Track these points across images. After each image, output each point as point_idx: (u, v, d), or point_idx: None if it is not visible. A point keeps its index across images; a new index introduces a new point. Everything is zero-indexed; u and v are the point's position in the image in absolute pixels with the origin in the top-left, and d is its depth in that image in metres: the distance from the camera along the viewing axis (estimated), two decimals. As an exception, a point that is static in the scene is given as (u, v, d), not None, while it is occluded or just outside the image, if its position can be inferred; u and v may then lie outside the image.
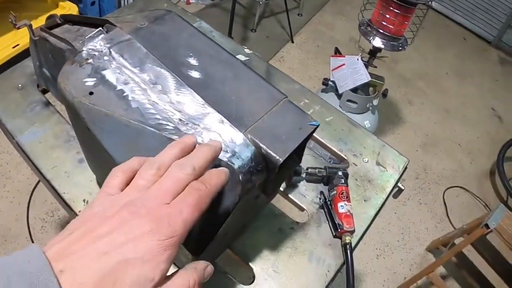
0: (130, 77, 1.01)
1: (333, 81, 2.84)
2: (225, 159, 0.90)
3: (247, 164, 0.92)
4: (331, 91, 2.89)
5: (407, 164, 1.60)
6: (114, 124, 0.99)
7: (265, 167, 0.95)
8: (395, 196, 1.60)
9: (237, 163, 0.91)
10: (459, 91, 3.98)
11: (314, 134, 1.60)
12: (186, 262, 0.79)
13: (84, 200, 1.31)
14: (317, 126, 1.01)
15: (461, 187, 3.26)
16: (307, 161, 1.52)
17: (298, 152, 1.09)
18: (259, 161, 0.94)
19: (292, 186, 1.45)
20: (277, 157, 0.92)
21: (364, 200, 1.47)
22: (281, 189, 1.44)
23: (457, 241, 2.54)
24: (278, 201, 1.42)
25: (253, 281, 1.25)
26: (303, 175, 1.44)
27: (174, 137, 0.94)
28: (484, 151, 3.56)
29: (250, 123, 0.97)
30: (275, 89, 1.05)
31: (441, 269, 2.84)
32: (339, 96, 2.83)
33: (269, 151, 0.93)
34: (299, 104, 1.63)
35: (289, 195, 1.43)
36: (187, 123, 0.96)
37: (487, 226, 2.21)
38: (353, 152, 1.57)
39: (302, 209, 1.42)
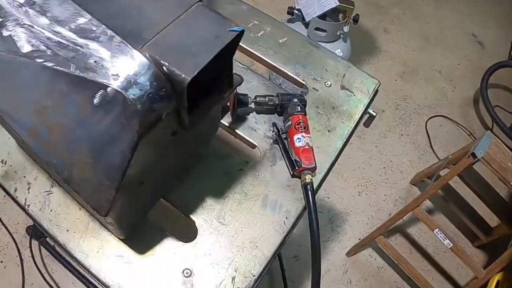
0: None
1: (298, 9, 2.56)
2: (114, 88, 0.66)
3: (146, 90, 0.69)
4: (298, 20, 2.61)
5: (378, 87, 1.36)
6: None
7: (172, 90, 0.71)
8: (367, 124, 1.36)
9: (132, 92, 0.67)
10: (437, 17, 3.70)
11: (264, 57, 1.35)
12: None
13: (2, 161, 1.08)
14: (241, 32, 0.76)
15: (444, 116, 3.02)
16: (256, 89, 1.26)
17: (223, 70, 0.84)
18: (161, 84, 0.70)
19: (239, 119, 1.20)
20: (183, 76, 0.69)
21: (328, 131, 1.22)
22: (226, 123, 1.19)
23: (442, 172, 2.34)
24: (224, 138, 1.18)
25: (194, 237, 1.01)
26: (251, 105, 1.18)
27: (49, 64, 0.72)
28: (466, 78, 3.30)
29: (149, 37, 0.73)
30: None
31: (427, 203, 2.64)
32: (306, 25, 2.54)
33: (172, 68, 0.70)
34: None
35: (237, 130, 1.18)
36: (67, 46, 0.73)
37: (473, 155, 2.02)
38: (312, 76, 1.31)
39: (253, 146, 1.18)
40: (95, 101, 0.70)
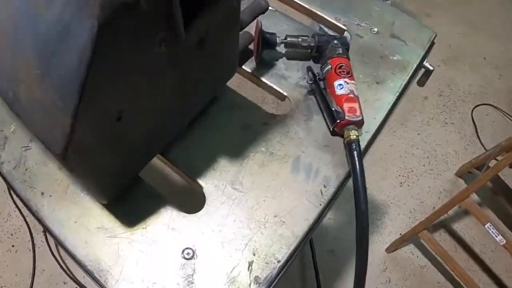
0: None
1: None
2: None
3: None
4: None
5: (434, 38, 1.05)
6: None
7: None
8: (421, 81, 1.05)
9: None
10: (482, 2, 3.35)
11: (298, 1, 1.03)
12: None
13: None
14: None
15: (490, 104, 2.67)
16: (287, 32, 0.96)
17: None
18: None
19: (265, 64, 0.91)
20: None
21: (377, 82, 0.92)
22: (248, 69, 0.90)
23: (491, 163, 2.01)
24: (245, 88, 0.89)
25: (201, 208, 0.73)
26: (281, 48, 0.88)
27: None
28: (513, 65, 2.96)
29: None
30: None
31: (473, 197, 2.30)
32: None
33: None
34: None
35: (262, 78, 0.89)
36: None
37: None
38: (355, 21, 1.01)
39: (282, 97, 0.88)
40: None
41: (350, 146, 0.77)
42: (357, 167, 0.75)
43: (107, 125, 0.54)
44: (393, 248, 2.11)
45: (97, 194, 0.68)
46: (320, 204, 0.75)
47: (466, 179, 2.36)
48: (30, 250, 1.87)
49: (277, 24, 0.97)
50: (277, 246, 0.71)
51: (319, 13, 1.01)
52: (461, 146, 2.49)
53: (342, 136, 0.81)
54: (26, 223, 1.89)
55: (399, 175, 2.33)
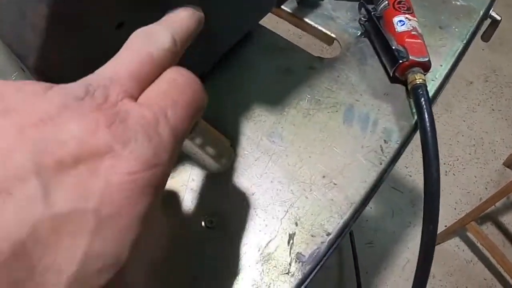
0: None
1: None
2: None
3: None
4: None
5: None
6: None
7: None
8: (487, 35, 0.86)
9: None
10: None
11: None
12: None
13: None
14: None
15: (539, 91, 2.44)
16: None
17: None
18: None
19: (308, 4, 0.73)
20: None
21: (440, 27, 0.73)
22: (289, 10, 0.72)
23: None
24: (285, 32, 0.72)
25: (231, 164, 0.56)
26: (327, -19, 0.71)
27: None
28: (561, 50, 2.70)
29: None
30: None
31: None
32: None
33: None
34: None
35: (305, 19, 0.71)
36: None
37: None
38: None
39: (330, 40, 0.70)
40: None
41: (416, 91, 0.58)
42: (426, 116, 0.57)
43: (103, 32, 0.37)
44: (437, 241, 1.90)
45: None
46: (381, 163, 0.57)
47: (515, 170, 2.14)
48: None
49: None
50: (327, 215, 0.53)
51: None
52: (509, 134, 2.26)
53: (404, 83, 0.63)
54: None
55: (444, 163, 2.12)
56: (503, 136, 2.24)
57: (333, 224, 0.52)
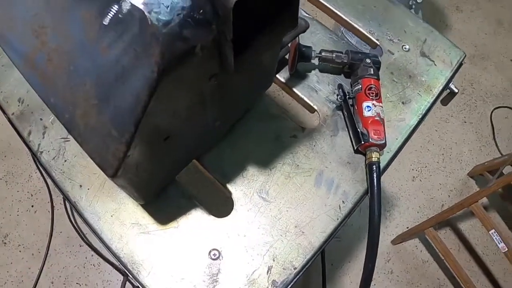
0: None
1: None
2: (130, 1, 0.44)
3: (175, 9, 0.46)
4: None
5: (463, 59, 1.09)
6: None
7: (212, 14, 0.48)
8: (445, 101, 1.10)
9: (155, 8, 0.46)
10: (515, 1, 3.34)
11: (334, 9, 1.07)
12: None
13: (19, 100, 0.91)
14: None
15: (511, 108, 2.70)
16: (322, 43, 1.01)
17: (290, 4, 0.60)
18: (199, 2, 0.47)
19: (298, 75, 0.96)
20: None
21: (402, 103, 0.97)
22: (282, 79, 0.96)
23: (506, 170, 2.05)
24: (277, 96, 0.95)
25: (229, 213, 0.80)
26: (315, 60, 0.94)
27: None
28: (541, 71, 2.95)
29: None
30: None
31: (482, 200, 2.35)
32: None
33: None
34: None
35: (294, 89, 0.95)
36: None
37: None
38: (388, 36, 1.06)
39: (311, 109, 0.94)
40: (105, 19, 0.48)
41: (371, 167, 0.84)
42: (375, 187, 0.82)
43: (156, 146, 0.61)
44: (398, 240, 2.18)
45: (135, 196, 0.75)
46: (338, 219, 0.82)
47: (477, 181, 2.41)
48: (48, 211, 1.95)
49: (313, 33, 1.02)
50: (295, 254, 0.78)
51: (354, 24, 1.06)
52: (476, 147, 2.53)
53: (364, 154, 0.87)
54: (47, 185, 1.95)
55: (413, 169, 2.39)
56: (471, 148, 2.51)
57: (299, 261, 0.78)
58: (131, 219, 0.78)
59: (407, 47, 1.05)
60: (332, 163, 0.87)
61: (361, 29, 1.05)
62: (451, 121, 2.58)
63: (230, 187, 0.82)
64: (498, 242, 1.85)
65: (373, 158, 0.84)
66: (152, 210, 0.79)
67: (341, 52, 0.94)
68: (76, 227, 1.89)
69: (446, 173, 2.41)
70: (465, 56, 1.10)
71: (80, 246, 1.90)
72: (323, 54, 0.93)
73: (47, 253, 1.88)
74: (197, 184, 0.85)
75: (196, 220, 0.79)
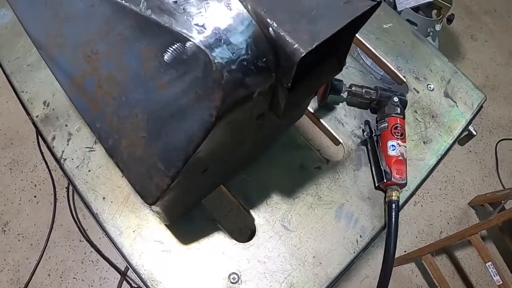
0: None
1: (392, -5, 2.31)
2: (196, 44, 0.46)
3: (238, 53, 0.49)
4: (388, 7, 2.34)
5: (484, 102, 1.12)
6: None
7: (274, 63, 0.50)
8: (462, 142, 1.14)
9: (220, 53, 0.47)
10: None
11: (364, 42, 1.11)
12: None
13: (44, 103, 0.92)
14: (378, 3, 0.55)
15: (516, 141, 2.75)
16: (351, 76, 1.04)
17: (338, 50, 0.63)
18: (262, 50, 0.49)
19: (327, 107, 0.99)
20: (296, 46, 0.47)
21: (424, 142, 1.01)
22: (310, 109, 0.98)
23: (507, 204, 2.08)
24: (304, 126, 0.98)
25: (250, 238, 0.83)
26: (344, 94, 0.97)
27: None
28: (550, 106, 2.99)
29: None
30: None
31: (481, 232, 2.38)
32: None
33: (282, 33, 0.49)
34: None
35: (321, 120, 0.98)
36: None
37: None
38: (415, 74, 1.09)
39: (337, 142, 0.97)
40: (166, 57, 0.50)
41: (390, 205, 0.87)
42: (393, 224, 0.85)
43: (194, 177, 0.63)
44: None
45: (164, 218, 0.77)
46: (354, 252, 0.85)
47: (478, 211, 2.45)
48: (51, 203, 1.97)
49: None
50: (311, 284, 0.81)
51: (382, 58, 1.09)
52: (479, 177, 2.57)
53: (384, 191, 0.90)
54: (51, 176, 1.98)
55: (415, 194, 2.41)
56: (474, 177, 2.55)
57: (314, 291, 0.81)
58: (153, 236, 0.81)
59: (432, 86, 1.08)
60: (353, 197, 0.89)
61: (389, 64, 1.08)
62: (457, 149, 2.61)
63: (253, 213, 0.84)
64: (494, 275, 1.89)
65: (393, 197, 0.87)
66: (175, 230, 0.81)
67: (370, 88, 0.97)
68: (78, 222, 1.92)
69: (447, 200, 2.45)
70: (486, 99, 1.13)
71: (80, 241, 1.92)
72: (353, 88, 0.96)
73: (46, 245, 1.89)
74: (221, 206, 0.88)
75: (218, 242, 0.81)
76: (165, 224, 0.81)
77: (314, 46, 0.47)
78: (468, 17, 3.27)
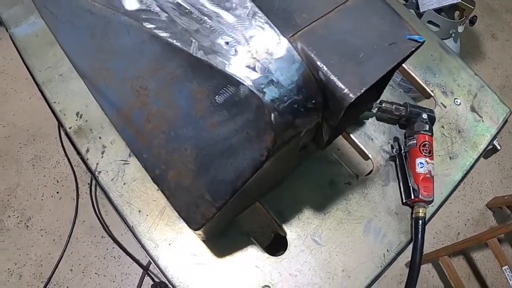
0: None
1: (415, -3, 2.32)
2: (249, 84, 0.50)
3: (289, 96, 0.52)
4: (410, 8, 2.35)
5: (509, 116, 1.15)
6: (71, 9, 0.60)
7: (322, 104, 0.54)
8: (486, 155, 1.17)
9: (270, 93, 0.50)
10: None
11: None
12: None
13: (77, 114, 0.94)
14: (422, 43, 0.58)
15: (536, 142, 2.76)
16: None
17: (380, 83, 0.66)
18: (311, 92, 0.53)
19: (357, 122, 1.03)
20: (345, 91, 0.51)
21: (450, 158, 1.04)
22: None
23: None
24: (335, 141, 1.01)
25: (283, 252, 0.87)
26: (374, 110, 1.00)
27: (161, 34, 0.56)
28: None
29: (304, 23, 0.55)
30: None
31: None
32: (419, 15, 2.30)
33: (332, 77, 0.52)
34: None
35: (352, 135, 1.01)
36: (190, 12, 0.56)
37: None
38: (442, 88, 1.12)
39: (366, 157, 1.01)
40: (218, 98, 0.54)
41: (417, 222, 0.90)
42: (419, 240, 0.89)
43: (236, 203, 0.67)
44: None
45: (202, 236, 0.81)
46: (381, 266, 0.89)
47: (495, 212, 2.48)
48: (73, 199, 2.02)
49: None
50: (340, 297, 0.85)
51: (411, 72, 1.12)
52: (497, 178, 2.59)
53: (412, 208, 0.94)
54: (74, 173, 2.03)
55: (434, 197, 2.44)
56: (492, 178, 2.57)
57: (343, 304, 0.85)
58: (188, 249, 0.85)
59: (459, 101, 1.11)
60: (381, 212, 0.93)
61: (417, 78, 1.11)
62: (476, 150, 2.63)
63: (285, 227, 0.88)
64: (510, 279, 1.93)
65: (420, 214, 0.90)
66: (209, 243, 0.85)
67: (400, 104, 1.00)
68: (100, 218, 1.96)
69: (465, 201, 2.48)
70: (511, 113, 1.15)
71: (102, 237, 1.97)
72: (383, 105, 0.99)
73: (69, 240, 1.95)
74: (255, 221, 0.92)
75: (251, 256, 0.85)
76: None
77: (362, 91, 0.51)
78: (489, 16, 3.27)
